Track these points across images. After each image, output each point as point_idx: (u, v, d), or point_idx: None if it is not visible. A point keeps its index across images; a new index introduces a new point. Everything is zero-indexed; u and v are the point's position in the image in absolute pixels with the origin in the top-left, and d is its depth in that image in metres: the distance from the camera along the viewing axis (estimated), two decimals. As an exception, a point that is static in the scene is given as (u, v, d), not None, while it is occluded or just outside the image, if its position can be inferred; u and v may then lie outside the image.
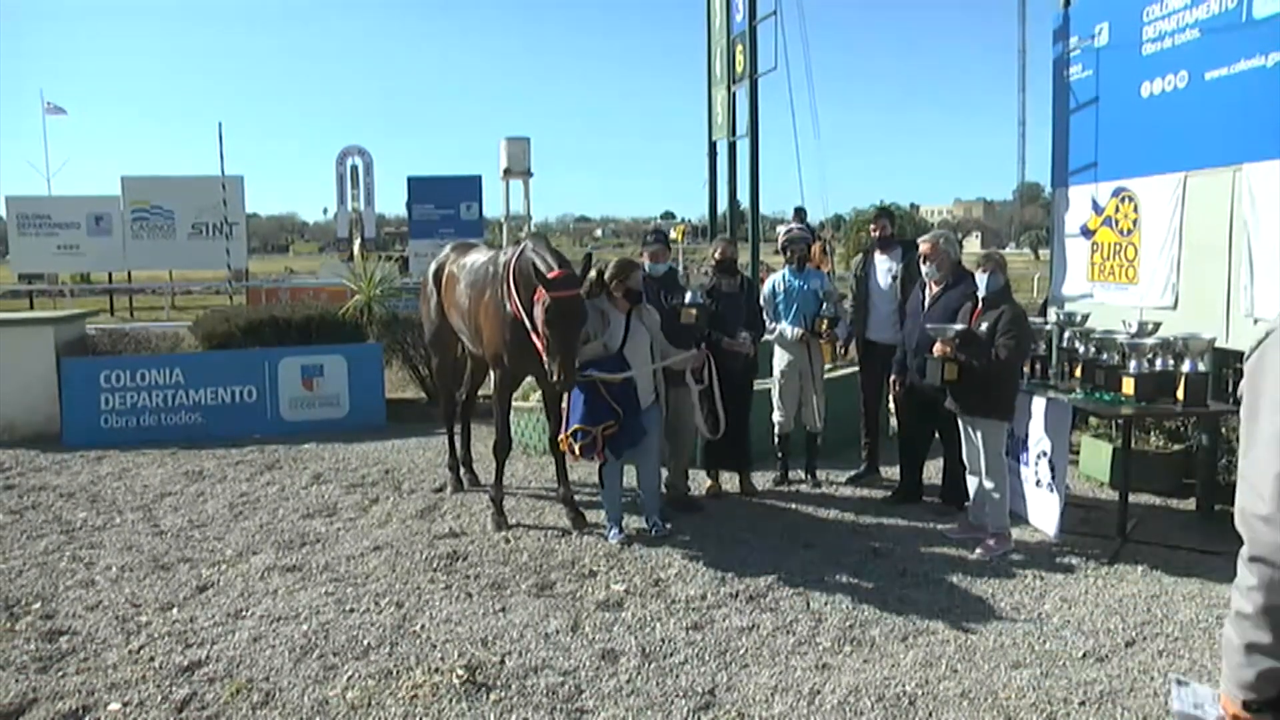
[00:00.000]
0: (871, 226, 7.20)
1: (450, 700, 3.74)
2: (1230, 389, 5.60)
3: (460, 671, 3.94)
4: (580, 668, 4.03)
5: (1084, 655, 4.10)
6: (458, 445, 7.13)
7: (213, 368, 9.17)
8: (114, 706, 3.75)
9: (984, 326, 5.41)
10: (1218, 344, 5.50)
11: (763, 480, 6.95)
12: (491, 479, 6.27)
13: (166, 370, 9.01)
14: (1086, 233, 6.96)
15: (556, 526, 6.02)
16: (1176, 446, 6.79)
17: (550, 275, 5.21)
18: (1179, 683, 1.83)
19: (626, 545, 5.58)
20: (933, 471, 6.62)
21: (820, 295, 6.85)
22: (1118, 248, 6.62)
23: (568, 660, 4.10)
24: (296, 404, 9.18)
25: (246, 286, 24.13)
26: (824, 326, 6.77)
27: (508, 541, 5.73)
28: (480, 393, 7.44)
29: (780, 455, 7.04)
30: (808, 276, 6.97)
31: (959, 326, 5.47)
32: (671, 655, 4.14)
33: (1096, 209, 6.84)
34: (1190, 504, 6.31)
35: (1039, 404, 5.74)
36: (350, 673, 3.99)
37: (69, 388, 8.84)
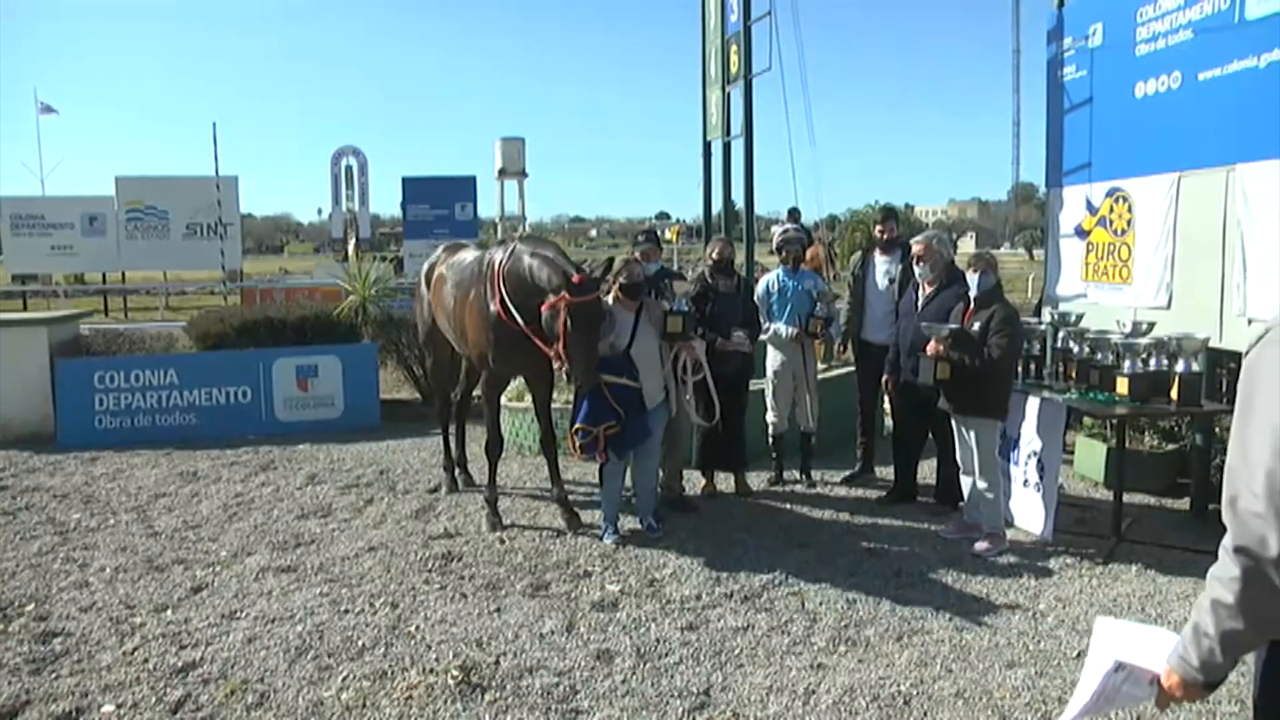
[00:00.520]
0: (879, 228, 7.19)
1: (445, 701, 3.74)
2: (1224, 389, 5.61)
3: (455, 672, 3.94)
4: (575, 668, 4.03)
5: (1079, 655, 4.10)
6: (452, 445, 7.13)
7: (207, 368, 9.16)
8: (108, 708, 3.74)
9: (976, 326, 5.43)
10: (1212, 344, 5.51)
11: (758, 480, 6.96)
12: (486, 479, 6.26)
13: (161, 371, 8.99)
14: (1081, 233, 6.97)
15: (551, 527, 6.02)
16: (1171, 446, 6.82)
17: (575, 280, 5.19)
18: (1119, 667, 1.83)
19: (621, 546, 5.58)
20: (927, 471, 6.63)
21: (814, 295, 6.88)
22: (1112, 248, 6.64)
23: (563, 661, 4.10)
24: (291, 404, 9.17)
25: (241, 287, 24.04)
26: (818, 327, 6.79)
27: (502, 542, 5.72)
28: (475, 393, 7.41)
29: (775, 455, 7.05)
30: (802, 277, 7.01)
31: (952, 326, 5.48)
32: (666, 655, 4.14)
33: (1091, 209, 6.86)
34: (1184, 504, 6.33)
35: (1033, 404, 5.75)
36: (345, 674, 3.99)
37: (63, 388, 8.82)
